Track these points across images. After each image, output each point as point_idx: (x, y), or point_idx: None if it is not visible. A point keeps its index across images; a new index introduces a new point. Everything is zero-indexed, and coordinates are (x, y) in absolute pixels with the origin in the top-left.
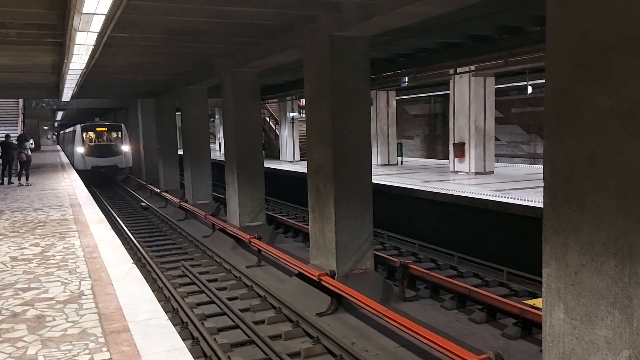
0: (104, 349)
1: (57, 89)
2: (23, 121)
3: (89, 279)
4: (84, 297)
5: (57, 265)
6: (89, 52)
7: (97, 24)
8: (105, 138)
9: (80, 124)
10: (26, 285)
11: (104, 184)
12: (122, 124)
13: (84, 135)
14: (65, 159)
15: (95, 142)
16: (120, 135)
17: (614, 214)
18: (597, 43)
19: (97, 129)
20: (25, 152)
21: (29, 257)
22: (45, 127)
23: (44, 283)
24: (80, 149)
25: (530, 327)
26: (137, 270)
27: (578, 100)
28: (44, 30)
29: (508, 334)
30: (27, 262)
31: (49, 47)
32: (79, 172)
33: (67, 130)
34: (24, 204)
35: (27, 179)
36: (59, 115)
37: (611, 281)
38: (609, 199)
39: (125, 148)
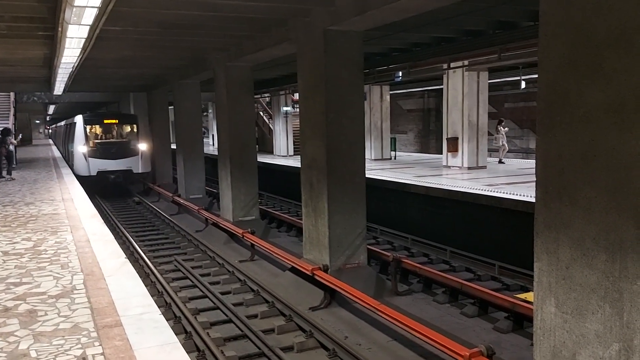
0: (96, 343)
1: (49, 83)
2: (14, 115)
3: (81, 273)
4: (76, 291)
5: (49, 259)
6: (81, 46)
7: (89, 17)
8: (115, 133)
9: (82, 114)
10: (18, 280)
11: (114, 195)
12: (137, 115)
13: (87, 130)
14: (57, 153)
15: (102, 138)
16: (135, 130)
17: (605, 208)
18: (589, 38)
19: (105, 121)
20: (6, 147)
21: (21, 252)
22: (37, 121)
23: (35, 277)
24: (82, 148)
25: (521, 321)
26: (130, 264)
27: (570, 95)
28: (35, 24)
29: (499, 327)
30: (19, 256)
31: (40, 41)
32: (80, 178)
33: (63, 122)
34: (15, 198)
35: (9, 173)
36: (51, 109)
37: (602, 275)
38: (600, 193)
39: (143, 147)
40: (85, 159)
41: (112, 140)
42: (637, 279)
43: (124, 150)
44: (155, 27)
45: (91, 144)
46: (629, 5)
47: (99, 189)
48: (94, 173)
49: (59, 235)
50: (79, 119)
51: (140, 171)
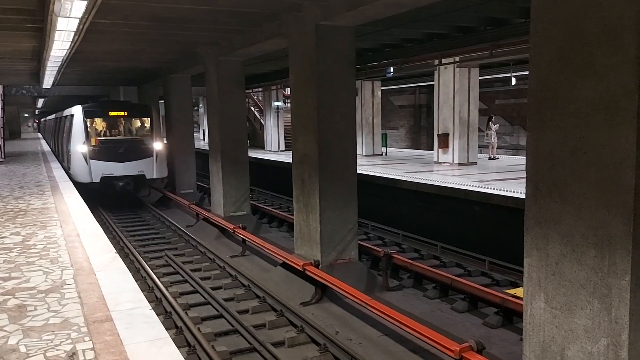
0: (87, 338)
1: (38, 76)
2: (3, 108)
3: (71, 268)
4: (66, 286)
5: (38, 254)
6: (70, 39)
7: (79, 9)
8: (123, 128)
9: (81, 104)
10: (7, 275)
11: (121, 206)
12: (150, 106)
13: (89, 124)
14: (46, 147)
15: (107, 134)
16: (149, 124)
17: (594, 205)
18: (580, 35)
19: (111, 113)
20: None
21: (10, 246)
22: (26, 115)
23: (25, 272)
24: (81, 148)
25: (511, 316)
26: (120, 259)
27: (561, 92)
28: (24, 16)
29: (489, 322)
30: (7, 251)
31: (28, 33)
32: (79, 186)
33: (56, 115)
34: (4, 192)
35: None
36: (40, 102)
37: (591, 271)
38: (589, 190)
39: (158, 146)
40: (86, 162)
41: (119, 137)
42: (626, 275)
43: (134, 150)
44: (146, 20)
45: (93, 142)
46: (619, 2)
47: (103, 200)
48: (96, 179)
49: (49, 230)
50: (77, 111)
51: (154, 177)
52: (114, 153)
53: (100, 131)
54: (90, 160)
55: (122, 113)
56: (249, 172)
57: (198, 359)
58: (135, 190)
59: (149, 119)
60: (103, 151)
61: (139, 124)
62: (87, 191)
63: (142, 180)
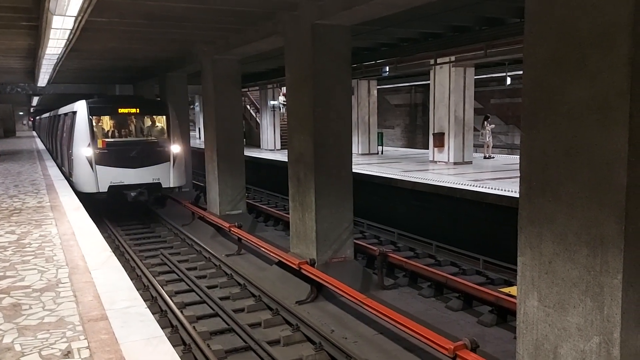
0: (82, 337)
1: (33, 74)
2: None
3: (66, 266)
4: (61, 285)
5: (33, 253)
6: (66, 37)
7: (74, 7)
8: (135, 128)
9: (87, 99)
10: (2, 273)
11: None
12: (167, 102)
13: (94, 123)
14: (41, 145)
15: (116, 135)
16: (164, 124)
17: (587, 204)
18: (573, 36)
19: (120, 110)
20: None
21: (5, 245)
22: (21, 113)
23: (20, 271)
24: (85, 151)
25: (505, 315)
26: (115, 258)
27: (554, 92)
28: (19, 14)
29: (484, 321)
30: (2, 249)
31: (24, 31)
32: (83, 196)
33: (49, 114)
34: None
35: None
36: (35, 100)
37: (583, 270)
38: (582, 189)
39: (176, 149)
40: (91, 168)
41: (130, 139)
42: (618, 274)
43: (148, 154)
44: (141, 18)
45: (100, 144)
46: (612, 4)
47: (111, 212)
48: (103, 189)
49: (44, 229)
50: (81, 107)
51: (171, 185)
52: (124, 157)
53: (108, 131)
54: (97, 166)
55: (133, 110)
56: (244, 170)
57: (194, 358)
58: (147, 201)
59: (165, 117)
60: (111, 155)
61: (153, 123)
62: (92, 201)
63: (157, 189)
